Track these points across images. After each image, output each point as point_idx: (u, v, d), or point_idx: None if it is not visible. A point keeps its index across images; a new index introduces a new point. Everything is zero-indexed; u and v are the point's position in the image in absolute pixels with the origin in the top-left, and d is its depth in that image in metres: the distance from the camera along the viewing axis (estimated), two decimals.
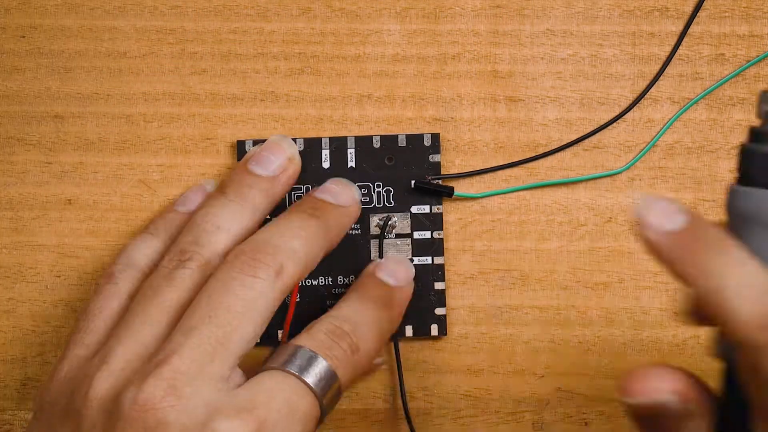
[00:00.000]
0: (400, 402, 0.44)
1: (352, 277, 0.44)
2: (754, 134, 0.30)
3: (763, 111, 0.29)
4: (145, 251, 0.40)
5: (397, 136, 0.45)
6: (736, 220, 0.30)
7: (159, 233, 0.41)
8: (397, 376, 0.44)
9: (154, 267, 0.39)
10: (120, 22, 0.46)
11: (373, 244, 0.44)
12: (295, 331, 0.44)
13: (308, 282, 0.44)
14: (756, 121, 0.30)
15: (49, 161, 0.46)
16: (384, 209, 0.45)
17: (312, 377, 0.35)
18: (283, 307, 0.41)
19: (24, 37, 0.46)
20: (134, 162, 0.45)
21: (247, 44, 0.46)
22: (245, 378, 0.35)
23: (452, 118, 0.45)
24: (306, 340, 0.36)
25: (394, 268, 0.41)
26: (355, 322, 0.37)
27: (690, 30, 0.45)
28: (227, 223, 0.39)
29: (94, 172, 0.46)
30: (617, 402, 0.45)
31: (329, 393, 0.35)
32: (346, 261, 0.44)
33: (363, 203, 0.45)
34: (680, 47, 0.45)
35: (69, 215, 0.45)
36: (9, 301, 0.45)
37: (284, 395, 0.33)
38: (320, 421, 0.35)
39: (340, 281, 0.45)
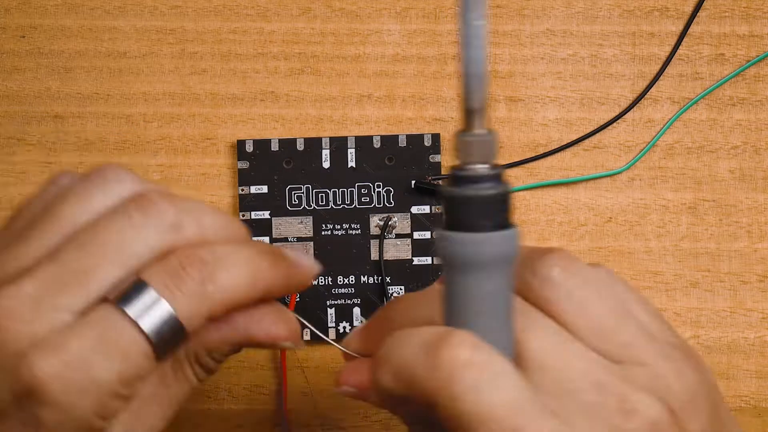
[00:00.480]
0: None
1: (351, 277, 0.44)
2: (453, 178, 0.29)
3: (460, 154, 0.29)
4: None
5: (397, 136, 0.45)
6: (446, 268, 0.30)
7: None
8: None
9: None
10: (120, 22, 0.46)
11: (373, 244, 0.44)
12: None
13: None
14: (456, 164, 0.30)
15: (49, 161, 0.45)
16: (384, 209, 0.45)
17: (135, 309, 0.31)
18: None
19: (24, 37, 0.46)
20: (134, 162, 0.45)
21: (247, 44, 0.46)
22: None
23: (452, 118, 0.45)
24: (152, 267, 0.32)
25: (299, 254, 0.36)
26: (221, 253, 0.33)
27: (690, 30, 0.45)
28: (184, 202, 0.34)
29: None
30: None
31: (166, 335, 0.31)
32: (345, 261, 0.44)
33: (363, 203, 0.45)
34: (680, 47, 0.45)
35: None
36: None
37: (104, 332, 0.31)
38: (158, 357, 0.32)
39: (340, 281, 0.45)
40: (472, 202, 0.29)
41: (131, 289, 0.31)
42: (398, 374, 0.30)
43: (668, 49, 0.45)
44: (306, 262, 0.35)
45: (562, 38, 0.46)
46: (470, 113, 0.28)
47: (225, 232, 0.34)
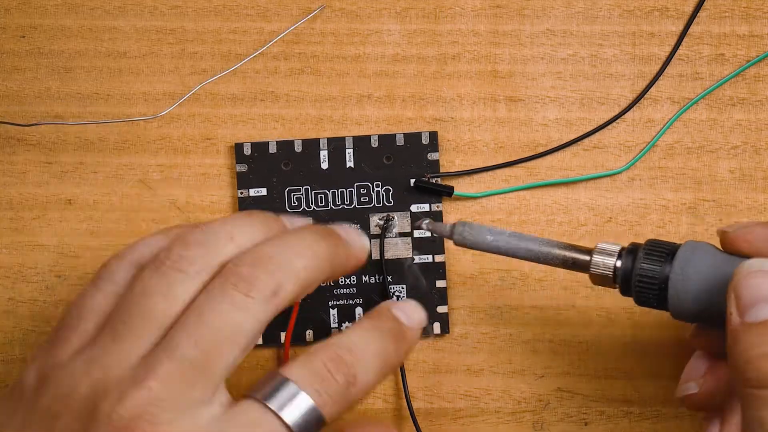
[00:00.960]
0: (402, 402, 0.44)
1: (353, 277, 0.44)
2: None
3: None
4: (155, 250, 0.37)
5: (395, 135, 0.45)
6: None
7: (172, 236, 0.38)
8: (400, 377, 0.44)
9: None
10: (120, 22, 0.46)
11: (374, 244, 0.44)
12: (299, 328, 0.44)
13: None
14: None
15: (49, 161, 0.46)
16: (384, 208, 0.45)
17: (291, 416, 0.33)
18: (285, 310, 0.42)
19: (24, 37, 0.46)
20: (134, 162, 0.45)
21: (247, 44, 0.46)
22: (229, 398, 0.34)
23: (452, 118, 0.45)
24: (299, 368, 0.34)
25: (409, 308, 0.39)
26: (359, 352, 0.35)
27: (690, 30, 0.45)
28: (242, 236, 0.36)
29: (94, 172, 0.46)
30: (617, 402, 0.45)
31: (308, 427, 0.33)
32: None
33: (362, 203, 0.45)
34: (680, 47, 0.45)
35: (69, 215, 0.45)
36: (9, 301, 0.45)
37: (255, 426, 0.32)
38: None
39: (342, 281, 0.45)
40: None
41: (278, 389, 0.33)
42: None
43: (668, 49, 0.45)
44: (417, 324, 0.38)
45: (562, 38, 0.46)
46: None
47: (313, 266, 0.35)
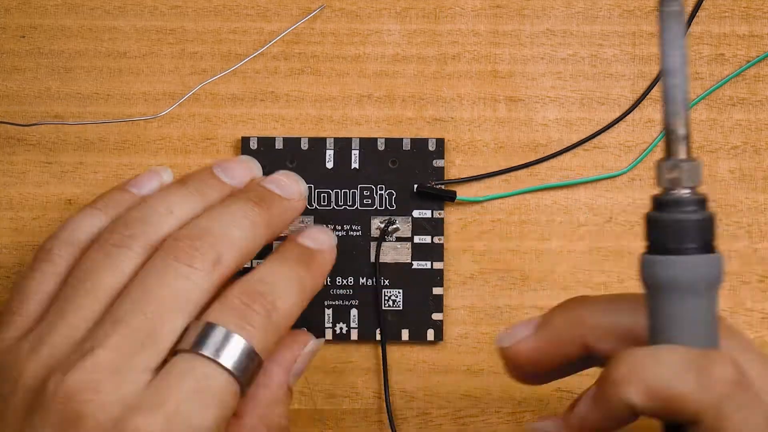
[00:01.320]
0: (400, 402, 0.45)
1: (350, 278, 0.44)
2: (657, 203, 0.31)
3: (664, 179, 0.31)
4: (88, 228, 0.38)
5: (401, 139, 0.45)
6: (653, 290, 0.31)
7: (107, 210, 0.38)
8: (382, 378, 0.44)
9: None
10: (120, 22, 0.46)
11: (373, 247, 0.44)
12: (295, 327, 0.44)
13: None
14: (658, 190, 0.31)
15: (49, 161, 0.46)
16: (386, 212, 0.45)
17: (228, 359, 0.33)
18: None
19: (24, 37, 0.46)
20: (134, 162, 0.45)
21: (247, 44, 0.46)
22: None
23: (452, 118, 0.45)
24: (217, 311, 0.34)
25: (315, 233, 0.39)
26: (271, 281, 0.36)
27: (690, 30, 0.45)
28: (181, 210, 0.37)
29: (94, 172, 0.45)
30: None
31: (249, 368, 0.33)
32: (345, 262, 0.44)
33: (365, 205, 0.45)
34: None
35: (69, 215, 0.45)
36: None
37: (196, 382, 0.32)
38: (242, 393, 0.33)
39: (339, 282, 0.44)
40: (680, 227, 0.30)
41: (204, 333, 0.33)
42: (653, 392, 0.30)
43: None
44: (326, 245, 0.39)
45: (562, 38, 0.46)
46: (675, 139, 0.30)
47: (252, 236, 0.36)
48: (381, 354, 0.44)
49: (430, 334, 0.44)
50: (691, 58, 0.46)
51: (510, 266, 0.45)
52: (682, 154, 0.30)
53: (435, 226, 0.45)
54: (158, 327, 0.33)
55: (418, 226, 0.44)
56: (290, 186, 0.39)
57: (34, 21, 0.46)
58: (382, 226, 0.44)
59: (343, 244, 0.43)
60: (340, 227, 0.44)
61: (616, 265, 0.45)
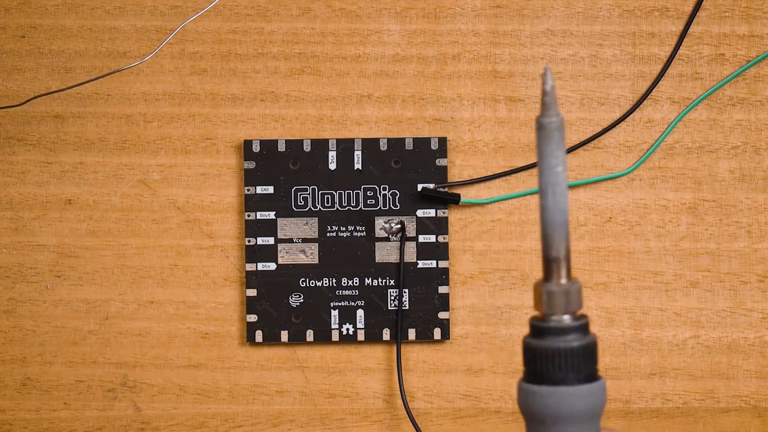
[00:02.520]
0: (400, 402, 0.45)
1: (356, 279, 0.44)
2: (535, 329, 0.28)
3: (543, 304, 0.28)
4: None
5: (404, 139, 0.45)
6: (531, 420, 0.29)
7: None
8: (397, 378, 0.44)
9: None
10: (120, 22, 0.46)
11: (378, 247, 0.44)
12: (301, 328, 0.44)
13: (312, 283, 0.44)
14: (537, 313, 0.29)
15: (49, 161, 0.45)
16: (390, 212, 0.45)
17: None
18: (287, 308, 0.42)
19: (24, 37, 0.46)
20: (134, 162, 0.45)
21: (247, 44, 0.46)
22: None
23: (452, 118, 0.45)
24: None
25: None
26: None
27: (690, 30, 0.45)
28: None
29: (94, 172, 0.45)
30: (617, 402, 0.45)
31: None
32: (350, 263, 0.44)
33: (369, 205, 0.45)
34: (680, 47, 0.45)
35: (69, 215, 0.45)
36: (9, 301, 0.45)
37: None
38: None
39: (345, 283, 0.45)
40: (558, 356, 0.28)
41: None
42: None
43: (668, 49, 0.45)
44: None
45: (562, 38, 0.46)
46: (552, 262, 0.27)
47: None
48: (396, 356, 0.44)
49: (437, 333, 0.44)
50: (691, 58, 0.46)
51: (510, 266, 0.45)
52: (561, 278, 0.28)
53: (439, 226, 0.45)
54: None
55: (423, 226, 0.44)
56: None
57: (34, 21, 0.46)
58: (391, 227, 0.44)
59: (347, 244, 0.43)
60: (344, 228, 0.44)
61: (616, 265, 0.45)
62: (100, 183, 0.45)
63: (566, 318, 0.28)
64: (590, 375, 0.28)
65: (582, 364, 0.28)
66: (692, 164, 0.45)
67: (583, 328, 0.28)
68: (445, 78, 0.46)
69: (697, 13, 0.45)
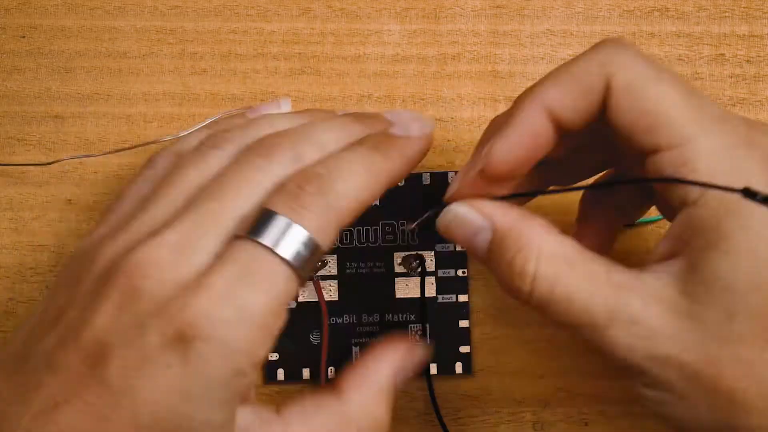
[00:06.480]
0: (400, 402, 0.45)
1: (376, 315, 0.44)
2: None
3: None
4: (194, 142, 0.37)
5: (421, 174, 0.44)
6: None
7: (216, 128, 0.38)
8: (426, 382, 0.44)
9: None
10: (120, 22, 0.46)
11: (398, 282, 0.44)
12: (317, 369, 0.43)
13: (332, 320, 0.44)
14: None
15: (49, 161, 0.46)
16: (408, 247, 0.44)
17: (268, 236, 0.32)
18: (308, 345, 0.41)
19: (24, 37, 0.46)
20: (134, 162, 0.45)
21: (247, 44, 0.46)
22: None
23: (452, 118, 0.45)
24: (273, 195, 0.33)
25: (405, 120, 0.37)
26: (334, 165, 0.34)
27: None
28: (282, 127, 0.36)
29: (94, 172, 0.46)
30: (617, 402, 0.45)
31: (301, 252, 0.32)
32: (370, 298, 0.44)
33: (388, 241, 0.44)
34: (680, 47, 0.45)
35: (69, 215, 0.45)
36: (9, 301, 0.45)
37: (244, 265, 0.32)
38: (300, 277, 0.33)
39: (365, 319, 0.44)
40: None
41: (259, 219, 0.33)
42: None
43: (668, 49, 0.46)
44: (416, 132, 0.37)
45: (562, 38, 0.46)
46: None
47: (343, 140, 0.36)
48: (428, 387, 0.44)
49: (459, 367, 0.44)
50: (691, 58, 0.46)
51: None
52: None
53: (458, 260, 0.44)
54: (224, 212, 0.33)
55: (442, 260, 0.44)
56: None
57: (34, 21, 0.46)
58: (414, 264, 0.44)
59: (367, 281, 0.42)
60: (363, 264, 0.44)
61: None
62: (100, 183, 0.45)
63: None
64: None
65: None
66: None
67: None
68: (445, 78, 0.46)
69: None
